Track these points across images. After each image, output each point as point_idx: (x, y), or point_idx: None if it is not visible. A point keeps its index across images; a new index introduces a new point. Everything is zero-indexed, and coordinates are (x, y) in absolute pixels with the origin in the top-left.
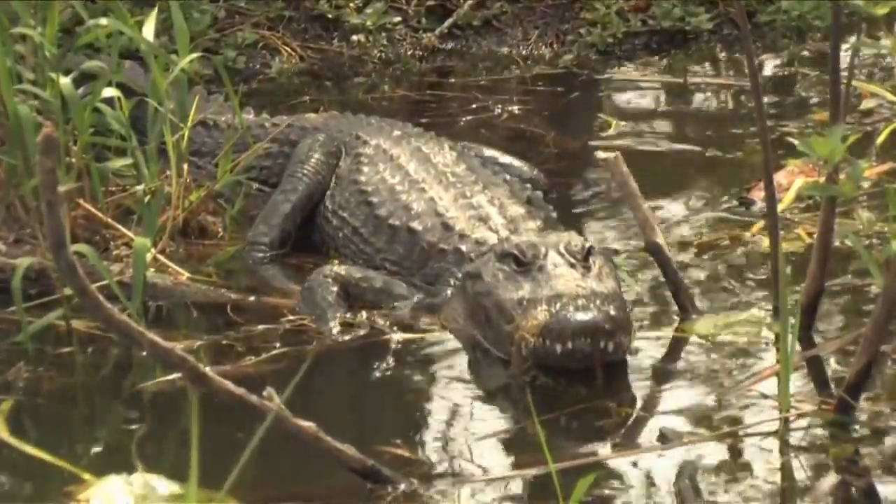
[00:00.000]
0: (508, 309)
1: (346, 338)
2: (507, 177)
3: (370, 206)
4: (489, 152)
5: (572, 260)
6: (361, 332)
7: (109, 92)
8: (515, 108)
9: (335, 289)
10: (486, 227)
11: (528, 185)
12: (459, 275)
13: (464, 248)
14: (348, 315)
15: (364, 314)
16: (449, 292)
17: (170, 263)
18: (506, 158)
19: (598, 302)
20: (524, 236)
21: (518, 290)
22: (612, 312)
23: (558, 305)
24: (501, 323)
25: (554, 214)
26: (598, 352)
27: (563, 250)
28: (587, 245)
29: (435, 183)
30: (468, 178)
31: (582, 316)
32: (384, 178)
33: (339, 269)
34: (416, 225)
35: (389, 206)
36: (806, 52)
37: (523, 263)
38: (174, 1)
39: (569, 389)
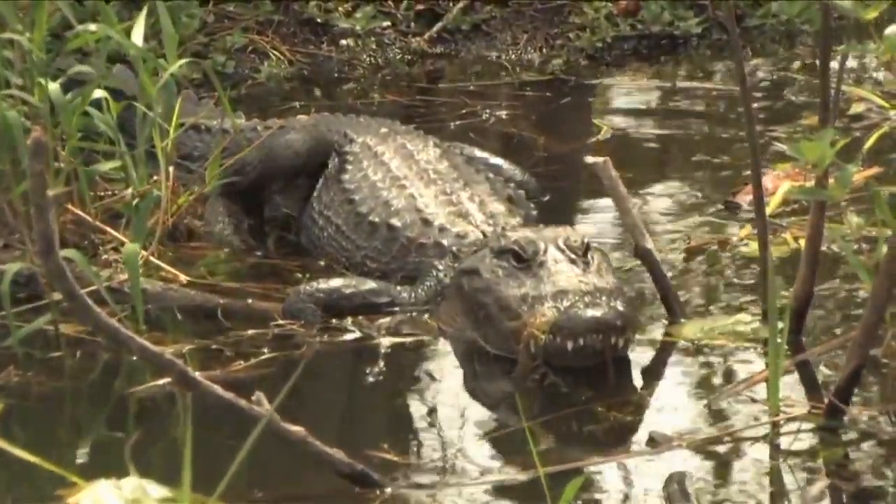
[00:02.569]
0: (513, 306)
1: (330, 339)
2: (491, 175)
3: (352, 203)
4: (480, 153)
5: (572, 255)
6: (350, 337)
7: (98, 94)
8: (504, 113)
9: (319, 313)
10: (465, 223)
11: (511, 184)
12: (441, 267)
13: (444, 241)
14: (334, 321)
15: (349, 319)
16: (428, 284)
17: (169, 268)
18: (496, 160)
19: (603, 298)
20: (520, 232)
21: (521, 287)
22: (621, 308)
23: (566, 302)
24: (503, 320)
25: (534, 213)
26: (609, 348)
27: (562, 245)
28: (585, 240)
29: (416, 180)
30: (450, 175)
31: (593, 312)
32: (367, 176)
33: (313, 288)
34: (395, 221)
35: (370, 203)
36: (795, 57)
37: (523, 259)
38: (163, 4)
39: (574, 389)
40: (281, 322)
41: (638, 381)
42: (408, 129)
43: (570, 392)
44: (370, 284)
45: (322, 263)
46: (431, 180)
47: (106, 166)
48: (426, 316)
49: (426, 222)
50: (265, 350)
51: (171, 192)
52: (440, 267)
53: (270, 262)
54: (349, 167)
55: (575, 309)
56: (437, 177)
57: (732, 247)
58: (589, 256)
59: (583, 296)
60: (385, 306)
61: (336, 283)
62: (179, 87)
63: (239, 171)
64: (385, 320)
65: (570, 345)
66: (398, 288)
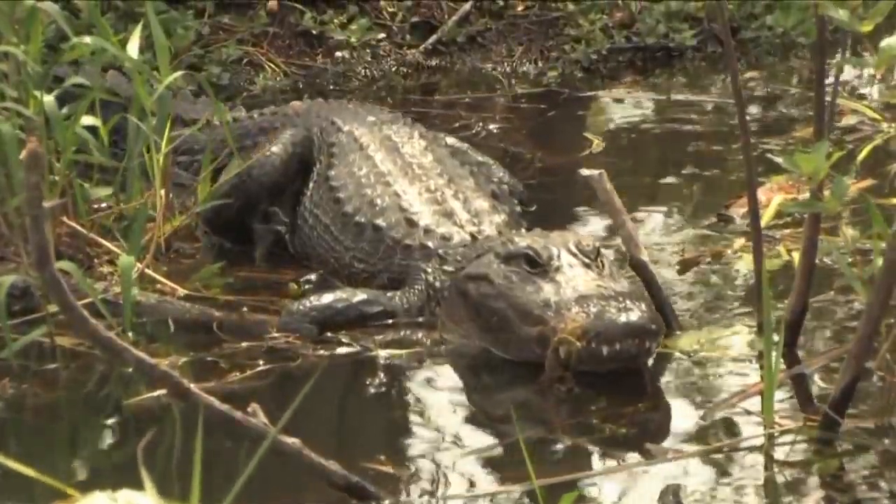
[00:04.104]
0: (534, 311)
1: (325, 351)
2: (475, 169)
3: (338, 202)
4: (470, 150)
5: (585, 260)
6: (346, 349)
7: (90, 120)
8: (498, 126)
9: (315, 331)
10: (450, 223)
11: (496, 179)
12: (429, 270)
13: (430, 244)
14: (329, 333)
15: (344, 331)
16: (419, 288)
17: (166, 281)
18: (483, 159)
19: (628, 302)
20: (529, 237)
21: (539, 292)
22: (651, 313)
23: (593, 307)
24: (523, 326)
25: (518, 209)
26: (643, 352)
27: (574, 250)
28: (596, 244)
29: (400, 176)
30: (434, 170)
31: (628, 317)
32: (352, 172)
33: (306, 307)
34: (380, 222)
35: (356, 203)
36: (790, 69)
37: (538, 265)
38: (156, 17)
39: (597, 396)
40: (276, 334)
41: (633, 393)
42: (395, 118)
43: (595, 398)
44: (361, 295)
45: (315, 276)
46: (416, 176)
47: (99, 192)
48: (421, 322)
49: (411, 223)
50: (260, 362)
51: (165, 208)
52: (428, 270)
53: (264, 275)
54: (336, 161)
55: (608, 314)
56: (422, 172)
57: (726, 259)
58: (599, 261)
59: (608, 300)
60: (380, 316)
61: (328, 298)
62: (174, 94)
63: (219, 211)
64: (385, 335)
65: (605, 350)
66: (388, 295)
